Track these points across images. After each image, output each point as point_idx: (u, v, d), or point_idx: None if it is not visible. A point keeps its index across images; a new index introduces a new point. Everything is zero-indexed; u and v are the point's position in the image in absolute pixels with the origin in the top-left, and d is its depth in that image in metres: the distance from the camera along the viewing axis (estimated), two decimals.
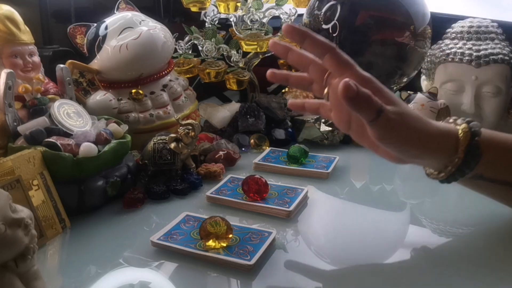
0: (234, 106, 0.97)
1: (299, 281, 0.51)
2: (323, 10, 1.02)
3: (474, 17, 0.94)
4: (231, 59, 1.00)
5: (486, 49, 0.88)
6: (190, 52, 1.02)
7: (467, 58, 0.88)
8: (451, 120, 0.54)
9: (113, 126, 0.71)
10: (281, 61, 1.14)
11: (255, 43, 0.99)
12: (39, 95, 0.71)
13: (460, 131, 0.50)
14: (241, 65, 1.01)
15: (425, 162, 0.54)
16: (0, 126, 0.66)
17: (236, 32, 1.01)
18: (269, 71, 0.55)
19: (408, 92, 0.91)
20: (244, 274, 0.51)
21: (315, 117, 0.94)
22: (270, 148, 0.89)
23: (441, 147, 0.50)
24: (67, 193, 0.63)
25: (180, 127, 0.75)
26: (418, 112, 0.50)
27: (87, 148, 0.64)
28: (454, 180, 0.52)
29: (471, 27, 0.92)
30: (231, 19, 1.02)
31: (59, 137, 0.65)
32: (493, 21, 0.93)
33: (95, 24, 0.87)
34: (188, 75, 1.00)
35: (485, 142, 0.51)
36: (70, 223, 0.62)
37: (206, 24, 1.03)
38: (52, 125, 0.67)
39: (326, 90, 0.52)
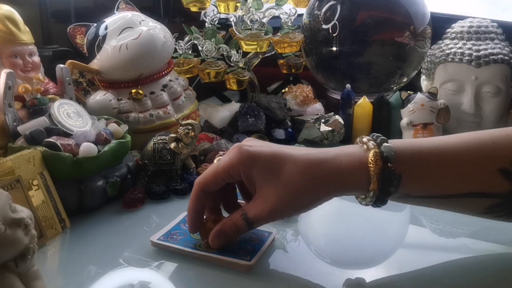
0: (234, 106, 0.97)
1: (299, 281, 0.51)
2: (323, 10, 1.02)
3: (474, 17, 0.95)
4: (231, 59, 1.00)
5: (486, 49, 0.88)
6: (190, 52, 1.02)
7: (467, 58, 0.88)
8: (364, 140, 0.48)
9: (113, 126, 0.71)
10: (281, 61, 1.14)
11: (255, 43, 0.99)
12: (39, 95, 0.71)
13: (370, 159, 0.45)
14: (241, 65, 1.01)
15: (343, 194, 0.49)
16: (0, 126, 0.66)
17: (236, 32, 1.01)
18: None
19: (408, 92, 0.91)
20: (244, 274, 0.51)
21: (315, 117, 0.94)
22: None
23: (353, 183, 0.46)
24: (67, 193, 0.62)
25: (180, 127, 0.75)
26: (314, 155, 0.46)
27: (87, 148, 0.64)
28: (383, 204, 0.48)
29: (471, 27, 0.92)
30: (231, 19, 1.02)
31: (59, 137, 0.65)
32: (493, 21, 0.93)
33: (95, 24, 0.87)
34: (188, 75, 1.00)
35: (402, 164, 0.45)
36: (70, 223, 0.61)
37: (206, 24, 1.03)
38: (52, 125, 0.67)
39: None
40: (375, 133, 0.47)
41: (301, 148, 0.48)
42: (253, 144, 0.47)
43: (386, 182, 0.44)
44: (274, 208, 0.45)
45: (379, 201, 0.47)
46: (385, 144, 0.45)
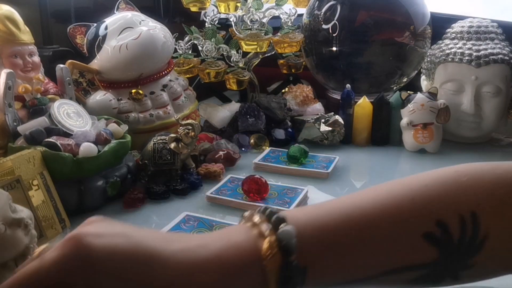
0: (234, 106, 0.97)
1: None
2: (323, 10, 1.02)
3: (474, 17, 0.95)
4: (231, 59, 1.00)
5: (486, 49, 0.88)
6: (190, 52, 1.02)
7: (467, 58, 0.88)
8: (255, 219, 0.32)
9: (113, 126, 0.71)
10: (281, 61, 1.14)
11: (255, 43, 0.99)
12: (39, 95, 0.71)
13: (265, 253, 0.30)
14: (241, 65, 1.01)
15: None
16: (0, 126, 0.66)
17: (236, 32, 1.01)
18: None
19: (408, 92, 0.91)
20: None
21: (315, 117, 0.94)
22: (270, 148, 0.89)
23: (245, 286, 0.31)
24: (67, 193, 0.62)
25: (180, 127, 0.75)
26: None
27: (87, 148, 0.64)
28: None
29: (471, 27, 0.92)
30: (231, 19, 1.02)
31: (59, 137, 0.65)
32: (493, 21, 0.93)
33: (95, 24, 0.87)
34: (188, 75, 1.00)
35: (308, 253, 0.31)
36: (70, 223, 0.61)
37: (206, 24, 1.03)
38: (52, 125, 0.67)
39: None
40: (267, 206, 0.34)
41: (180, 239, 0.31)
42: (100, 232, 0.29)
43: (287, 280, 0.31)
44: None
45: None
46: (282, 227, 0.31)
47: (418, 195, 0.35)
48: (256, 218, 0.33)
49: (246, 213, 0.34)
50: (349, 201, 0.36)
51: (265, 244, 0.31)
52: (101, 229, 0.29)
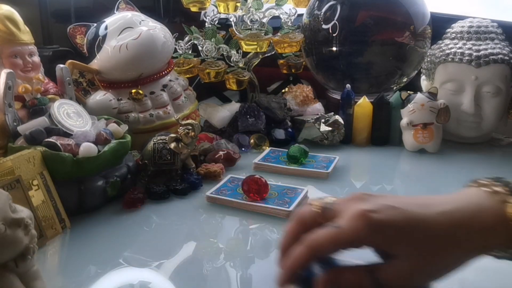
0: (234, 106, 0.97)
1: None
2: (323, 10, 1.02)
3: (474, 17, 0.95)
4: (231, 59, 1.00)
5: (486, 49, 0.88)
6: (190, 52, 1.02)
7: (467, 58, 0.88)
8: (497, 189, 0.41)
9: (113, 126, 0.71)
10: (281, 61, 1.14)
11: (255, 43, 0.99)
12: (39, 95, 0.71)
13: (510, 215, 0.39)
14: (241, 65, 1.01)
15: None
16: (0, 126, 0.66)
17: (236, 32, 1.01)
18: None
19: (408, 92, 0.91)
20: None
21: (315, 117, 0.94)
22: (270, 148, 0.89)
23: (495, 242, 0.40)
24: (67, 193, 0.62)
25: (180, 127, 0.75)
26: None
27: (87, 148, 0.64)
28: None
29: (471, 27, 0.92)
30: (231, 19, 1.02)
31: (59, 137, 0.65)
32: (493, 21, 0.93)
33: (95, 24, 0.87)
34: (188, 75, 1.00)
35: None
36: (70, 223, 0.62)
37: (206, 24, 1.03)
38: (52, 125, 0.67)
39: None
40: (496, 176, 0.42)
41: (434, 203, 0.41)
42: (378, 208, 0.39)
43: None
44: (407, 276, 0.39)
45: None
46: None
47: None
48: (498, 188, 0.40)
49: (477, 183, 0.42)
50: None
51: (510, 209, 0.39)
52: (377, 205, 0.39)
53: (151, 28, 0.84)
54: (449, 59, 0.91)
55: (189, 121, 0.76)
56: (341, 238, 0.39)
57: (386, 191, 0.75)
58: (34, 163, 0.59)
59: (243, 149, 0.90)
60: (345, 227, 0.39)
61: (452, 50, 0.91)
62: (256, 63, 1.07)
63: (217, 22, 1.04)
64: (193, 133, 0.74)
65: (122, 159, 0.71)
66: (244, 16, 1.01)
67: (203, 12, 1.06)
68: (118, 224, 0.63)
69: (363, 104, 0.93)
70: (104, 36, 0.83)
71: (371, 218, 0.38)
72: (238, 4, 1.01)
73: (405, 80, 1.05)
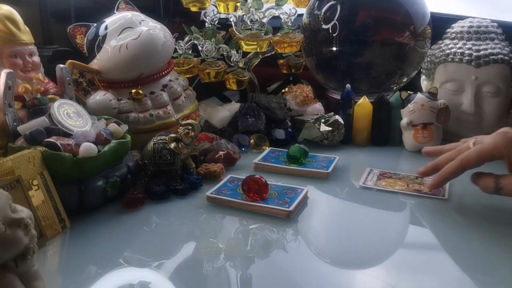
0: (234, 106, 0.97)
1: (299, 281, 0.51)
2: (323, 10, 1.02)
3: (474, 17, 0.95)
4: (231, 59, 1.00)
5: (486, 49, 0.88)
6: (190, 52, 1.02)
7: (467, 58, 0.88)
8: None
9: (113, 126, 0.71)
10: (281, 61, 1.14)
11: (255, 43, 0.99)
12: (39, 95, 0.71)
13: None
14: (241, 65, 1.01)
15: None
16: (0, 126, 0.66)
17: (236, 32, 1.01)
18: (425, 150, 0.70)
19: (408, 92, 0.91)
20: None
21: (315, 117, 0.94)
22: (270, 148, 0.89)
23: None
24: (67, 193, 0.62)
25: (180, 127, 0.75)
26: None
27: (87, 148, 0.64)
28: None
29: (471, 27, 0.92)
30: (231, 19, 1.02)
31: (59, 137, 0.65)
32: (493, 21, 0.93)
33: (95, 24, 0.87)
34: (188, 75, 1.00)
35: None
36: (70, 223, 0.62)
37: (206, 24, 1.03)
38: (52, 125, 0.67)
39: None
40: None
41: None
42: None
43: None
44: None
45: None
46: None
47: None
48: None
49: None
50: None
51: None
52: None
53: (151, 28, 0.84)
54: (449, 59, 0.91)
55: (189, 121, 0.76)
56: (486, 150, 0.56)
57: (386, 191, 0.75)
58: (34, 163, 0.59)
59: (243, 149, 0.90)
60: (489, 142, 0.56)
61: (452, 50, 0.91)
62: (256, 63, 1.07)
63: (217, 22, 1.04)
64: (193, 133, 0.74)
65: (122, 159, 0.71)
66: (244, 16, 1.01)
67: (203, 12, 1.06)
68: (118, 224, 0.63)
69: (363, 104, 0.93)
70: (104, 36, 0.83)
71: (509, 133, 0.55)
72: (238, 4, 1.01)
73: (405, 80, 1.05)
